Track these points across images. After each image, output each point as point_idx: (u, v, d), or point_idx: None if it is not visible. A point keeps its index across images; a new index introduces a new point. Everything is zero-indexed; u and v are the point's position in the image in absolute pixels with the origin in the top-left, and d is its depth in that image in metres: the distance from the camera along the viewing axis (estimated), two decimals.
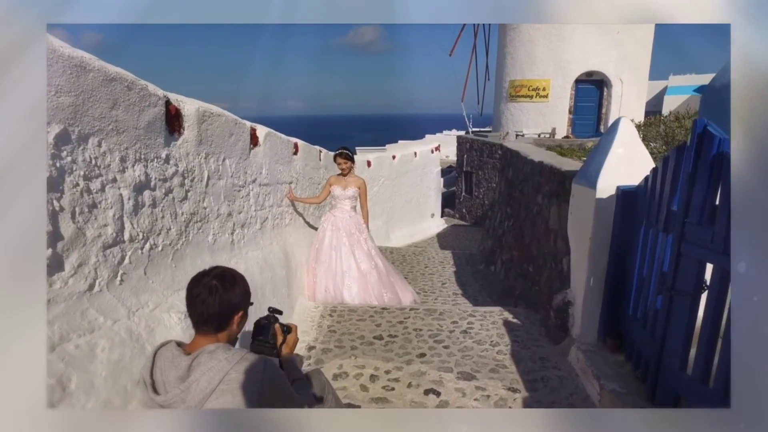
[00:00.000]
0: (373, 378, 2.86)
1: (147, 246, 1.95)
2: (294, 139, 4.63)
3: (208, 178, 2.61)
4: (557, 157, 5.02)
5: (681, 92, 18.59)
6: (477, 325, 3.71)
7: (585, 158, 3.90)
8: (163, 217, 2.11)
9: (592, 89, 14.09)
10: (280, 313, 1.81)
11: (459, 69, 18.51)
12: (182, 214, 2.30)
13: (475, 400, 2.62)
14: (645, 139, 6.33)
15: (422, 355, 3.19)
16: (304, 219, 4.91)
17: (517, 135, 13.69)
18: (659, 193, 2.31)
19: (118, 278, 1.73)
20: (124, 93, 1.72)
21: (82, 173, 1.54)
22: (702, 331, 1.88)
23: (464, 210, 16.11)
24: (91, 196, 1.58)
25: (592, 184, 2.76)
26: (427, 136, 24.97)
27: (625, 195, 2.66)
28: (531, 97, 14.41)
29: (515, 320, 3.82)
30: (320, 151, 5.64)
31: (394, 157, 10.52)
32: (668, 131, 5.98)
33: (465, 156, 15.92)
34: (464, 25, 16.52)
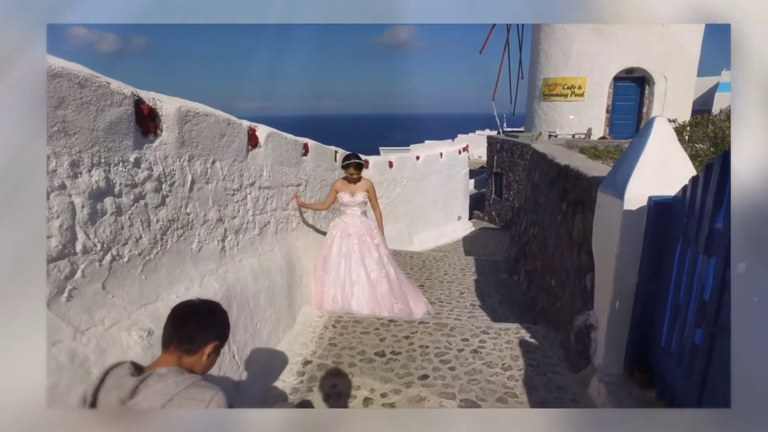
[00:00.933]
0: (366, 401, 2.62)
1: (108, 257, 1.80)
2: (304, 139, 4.44)
3: (193, 182, 2.45)
4: (586, 161, 4.58)
5: None
6: (489, 344, 3.39)
7: None
8: (131, 225, 1.95)
9: (632, 87, 13.20)
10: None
11: (490, 67, 17.93)
12: (157, 221, 2.14)
13: None
14: (691, 141, 5.71)
15: (425, 377, 2.92)
16: (307, 223, 4.72)
17: (550, 135, 13.06)
18: (700, 206, 1.95)
19: (65, 294, 1.58)
20: (72, 91, 1.56)
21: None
22: None
23: (494, 213, 15.57)
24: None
25: (620, 194, 2.41)
26: (459, 136, 24.49)
27: (658, 207, 2.29)
28: (566, 95, 13.68)
29: (532, 340, 3.47)
30: (335, 152, 5.44)
31: (417, 158, 10.20)
32: (717, 131, 5.36)
33: (495, 157, 15.38)
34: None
